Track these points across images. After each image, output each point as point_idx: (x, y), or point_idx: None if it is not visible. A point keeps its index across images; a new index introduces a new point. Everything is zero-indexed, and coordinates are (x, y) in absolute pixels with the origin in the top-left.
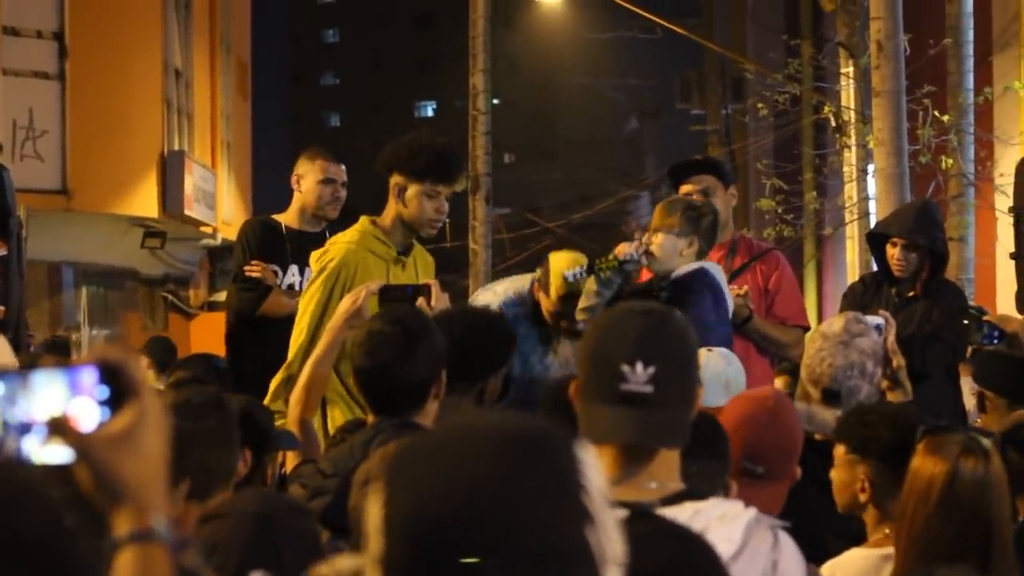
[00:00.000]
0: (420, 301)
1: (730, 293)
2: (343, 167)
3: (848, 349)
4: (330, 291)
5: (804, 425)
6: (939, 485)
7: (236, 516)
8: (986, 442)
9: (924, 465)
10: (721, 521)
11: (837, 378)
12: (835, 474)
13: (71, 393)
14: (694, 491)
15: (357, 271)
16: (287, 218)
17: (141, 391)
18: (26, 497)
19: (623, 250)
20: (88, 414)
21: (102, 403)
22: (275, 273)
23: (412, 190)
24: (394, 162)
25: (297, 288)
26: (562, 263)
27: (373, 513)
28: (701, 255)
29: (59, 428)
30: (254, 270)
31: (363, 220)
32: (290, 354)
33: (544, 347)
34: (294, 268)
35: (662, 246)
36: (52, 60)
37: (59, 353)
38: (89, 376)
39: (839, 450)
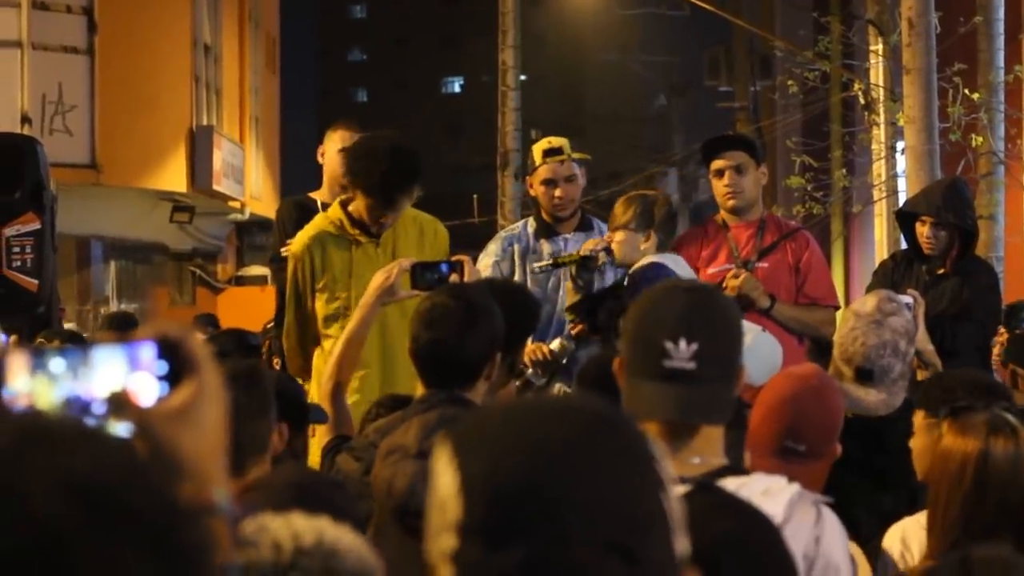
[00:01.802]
0: (453, 277)
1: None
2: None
3: (881, 328)
4: (293, 277)
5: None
6: (972, 466)
7: (274, 488)
8: (1013, 419)
9: (955, 446)
10: (764, 496)
11: (870, 357)
12: (915, 441)
13: (131, 369)
14: (736, 467)
15: (315, 255)
16: (321, 194)
17: (200, 366)
18: (139, 473)
19: (587, 248)
20: (148, 389)
21: (161, 378)
22: None
23: (357, 195)
24: (347, 162)
25: None
26: (541, 144)
27: (445, 480)
28: (662, 247)
29: (119, 403)
30: (288, 249)
31: (335, 203)
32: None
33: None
34: None
35: (621, 243)
36: (81, 35)
37: (125, 327)
38: (148, 352)
39: (919, 416)
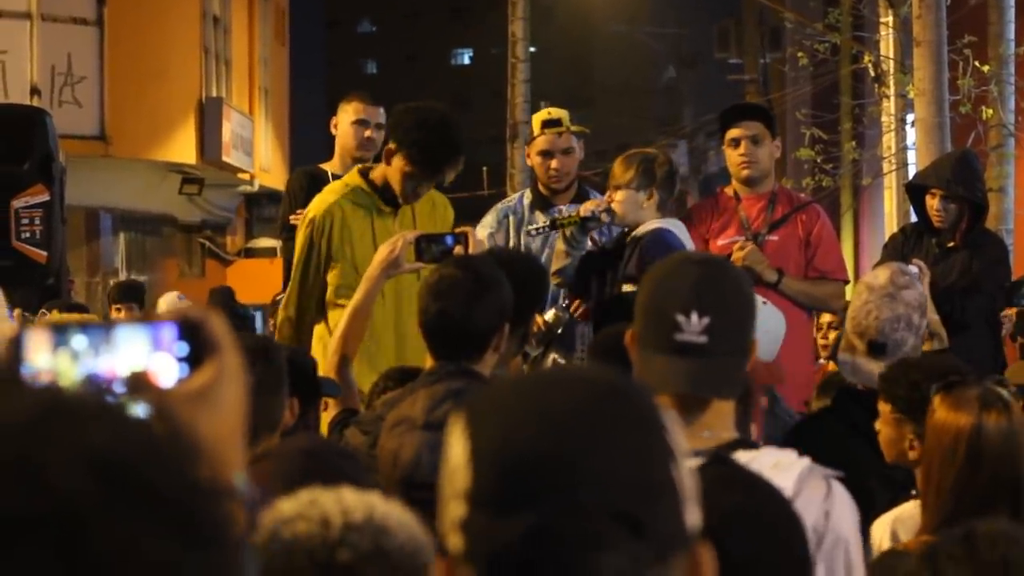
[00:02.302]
0: (457, 249)
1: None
2: (380, 110)
3: (895, 302)
4: (307, 241)
5: (848, 376)
6: (965, 440)
7: (285, 455)
8: (1005, 393)
9: (947, 420)
10: (774, 470)
11: (884, 330)
12: (882, 429)
13: (153, 348)
14: (746, 440)
15: (334, 221)
16: (332, 166)
17: (221, 348)
18: (161, 451)
19: (587, 208)
20: (168, 370)
21: (181, 359)
22: None
23: (397, 164)
24: (396, 131)
25: None
26: (540, 115)
27: (456, 451)
28: (663, 205)
29: (138, 383)
30: (299, 218)
31: (354, 171)
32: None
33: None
34: None
35: (623, 202)
36: (90, 6)
37: (134, 297)
38: (169, 332)
39: (884, 408)
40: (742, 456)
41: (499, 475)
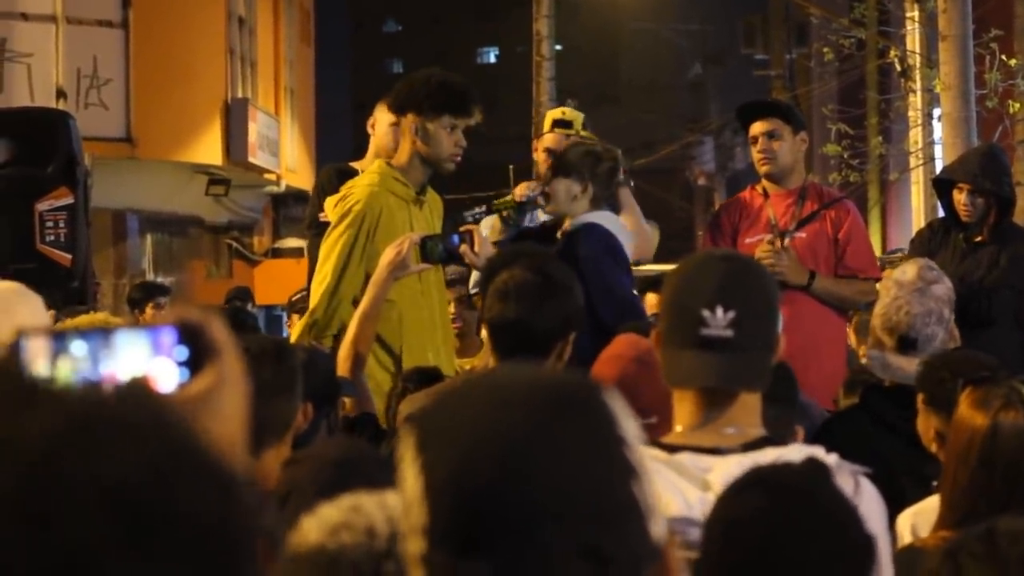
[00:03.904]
0: (463, 248)
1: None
2: None
3: (924, 297)
4: (355, 236)
5: (879, 372)
6: (979, 440)
7: (316, 461)
8: None
9: (965, 419)
10: None
11: (915, 326)
12: (919, 420)
13: (153, 353)
14: (774, 437)
15: (381, 214)
16: (363, 164)
17: (222, 352)
18: (186, 472)
19: (522, 191)
20: (167, 375)
21: (181, 364)
22: None
23: (432, 126)
24: (410, 101)
25: None
26: (554, 112)
27: (410, 482)
28: (596, 202)
29: None
30: (325, 218)
31: (379, 163)
32: (312, 300)
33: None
34: None
35: (556, 190)
36: (116, 8)
37: (157, 294)
38: (169, 336)
39: (919, 398)
40: (771, 453)
41: (455, 513)
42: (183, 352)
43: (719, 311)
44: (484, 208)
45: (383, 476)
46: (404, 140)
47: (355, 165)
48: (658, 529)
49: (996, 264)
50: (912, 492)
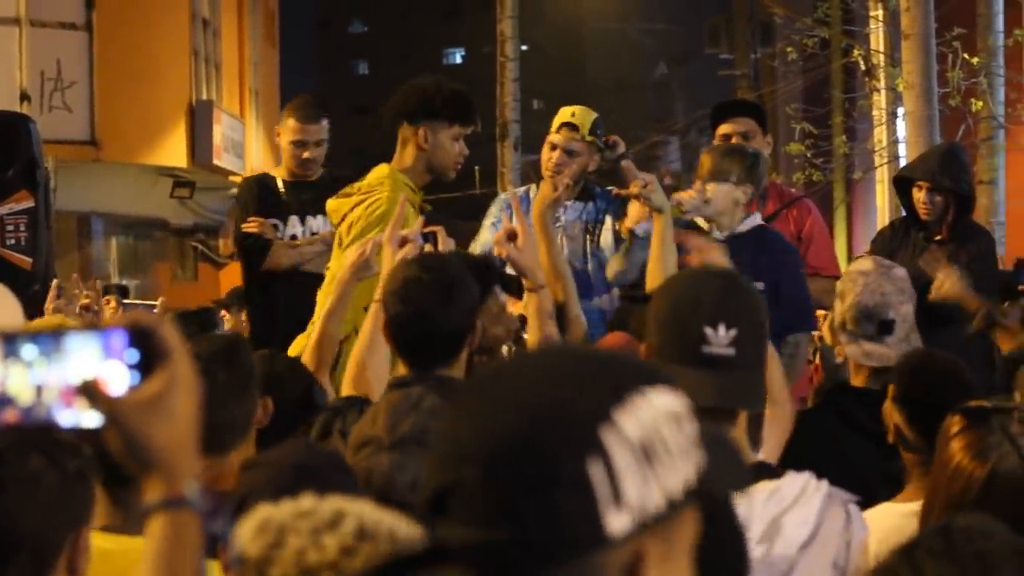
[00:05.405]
0: (427, 248)
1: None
2: (321, 124)
3: (891, 279)
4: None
5: (863, 360)
6: (975, 489)
7: (273, 466)
8: (1019, 432)
9: (961, 462)
10: (796, 503)
11: (892, 304)
12: (885, 405)
13: (104, 356)
14: (767, 465)
15: (408, 217)
16: (281, 172)
17: (173, 356)
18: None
19: (681, 199)
20: (119, 377)
21: (132, 367)
22: (275, 227)
23: (443, 135)
24: (424, 109)
25: (300, 238)
26: (565, 113)
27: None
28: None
29: (89, 391)
30: (251, 226)
31: (390, 169)
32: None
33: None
34: (294, 219)
35: (719, 198)
36: (79, 11)
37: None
38: (120, 339)
39: (891, 389)
40: (766, 488)
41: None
42: (134, 355)
43: (721, 329)
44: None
45: (342, 481)
46: (408, 147)
47: (273, 172)
48: (619, 522)
49: (956, 261)
50: (881, 492)
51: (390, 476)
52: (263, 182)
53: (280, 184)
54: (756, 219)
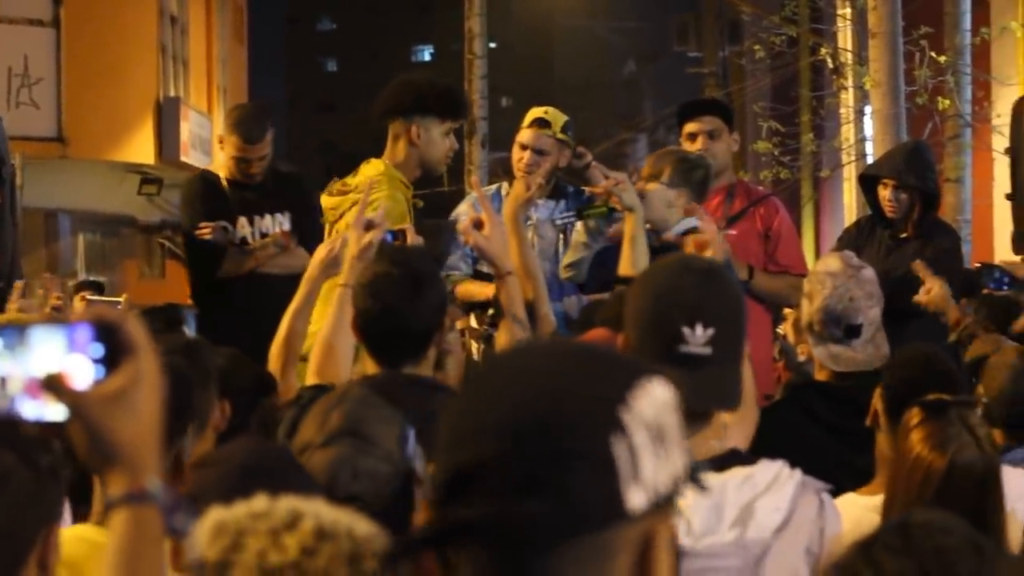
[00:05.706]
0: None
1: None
2: (265, 140)
3: (860, 281)
4: None
5: (832, 366)
6: (935, 481)
7: (222, 466)
8: (980, 425)
9: (920, 454)
10: (769, 491)
11: (860, 309)
12: (879, 437)
13: (68, 350)
14: (739, 452)
15: (408, 215)
16: (224, 171)
17: (137, 350)
18: None
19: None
20: (83, 371)
21: (97, 361)
22: (225, 229)
23: (436, 131)
24: (418, 105)
25: (250, 240)
26: (537, 111)
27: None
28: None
29: (53, 385)
30: (204, 233)
31: (386, 165)
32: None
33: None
34: (243, 220)
35: (652, 197)
36: (46, 7)
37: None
38: (84, 333)
39: (879, 406)
40: (739, 473)
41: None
42: (99, 349)
43: (698, 328)
44: (574, 212)
45: (295, 480)
46: (400, 142)
47: (219, 171)
48: (637, 499)
49: (921, 258)
50: (845, 484)
51: (329, 473)
52: (208, 179)
53: (225, 183)
54: (690, 223)
